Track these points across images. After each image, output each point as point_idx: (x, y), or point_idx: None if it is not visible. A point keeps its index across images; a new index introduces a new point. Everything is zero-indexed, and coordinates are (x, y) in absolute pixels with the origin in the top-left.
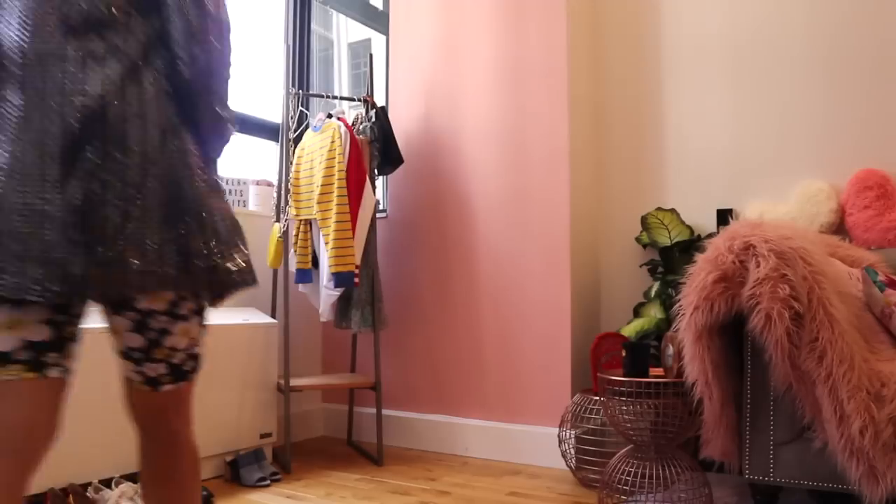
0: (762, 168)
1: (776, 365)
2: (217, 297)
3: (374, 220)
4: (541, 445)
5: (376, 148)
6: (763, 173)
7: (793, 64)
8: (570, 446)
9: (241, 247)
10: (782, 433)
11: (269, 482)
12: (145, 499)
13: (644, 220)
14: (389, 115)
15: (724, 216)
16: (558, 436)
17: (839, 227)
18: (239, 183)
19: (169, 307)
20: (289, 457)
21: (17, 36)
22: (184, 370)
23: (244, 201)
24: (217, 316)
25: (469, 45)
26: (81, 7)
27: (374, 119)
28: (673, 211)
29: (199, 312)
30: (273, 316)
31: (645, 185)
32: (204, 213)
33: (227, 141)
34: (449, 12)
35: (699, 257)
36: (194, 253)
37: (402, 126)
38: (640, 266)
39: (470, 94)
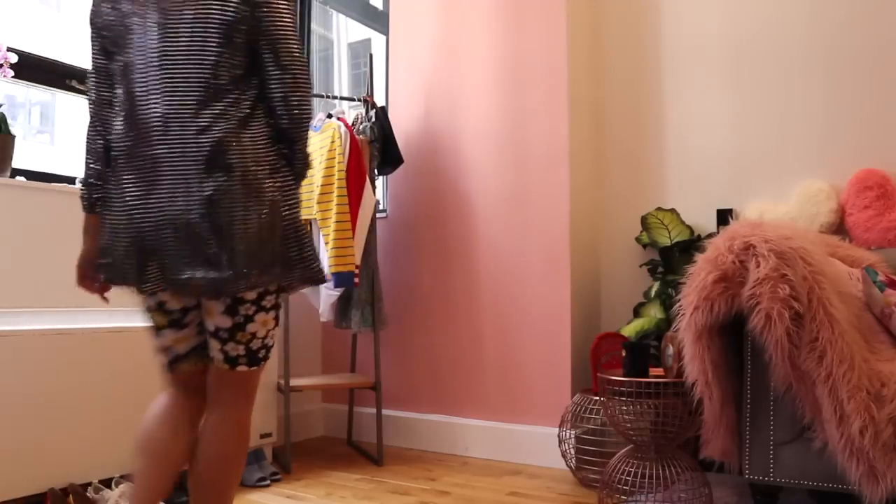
0: (762, 168)
1: (776, 365)
2: (299, 285)
3: (374, 220)
4: (541, 445)
5: (376, 148)
6: (763, 173)
7: (793, 64)
8: (570, 446)
9: (312, 248)
10: (782, 433)
11: (269, 482)
12: (190, 469)
13: (644, 220)
14: (389, 115)
15: (724, 216)
16: (558, 436)
17: (839, 227)
18: None
19: (257, 298)
20: (289, 457)
21: (140, 109)
22: (258, 354)
23: None
24: None
25: (469, 45)
26: (216, 80)
27: (373, 119)
28: (673, 211)
29: (276, 307)
30: None
31: (645, 185)
32: (296, 224)
33: (305, 173)
34: (449, 12)
35: (699, 257)
36: (290, 254)
37: (402, 126)
38: (640, 266)
39: (470, 94)
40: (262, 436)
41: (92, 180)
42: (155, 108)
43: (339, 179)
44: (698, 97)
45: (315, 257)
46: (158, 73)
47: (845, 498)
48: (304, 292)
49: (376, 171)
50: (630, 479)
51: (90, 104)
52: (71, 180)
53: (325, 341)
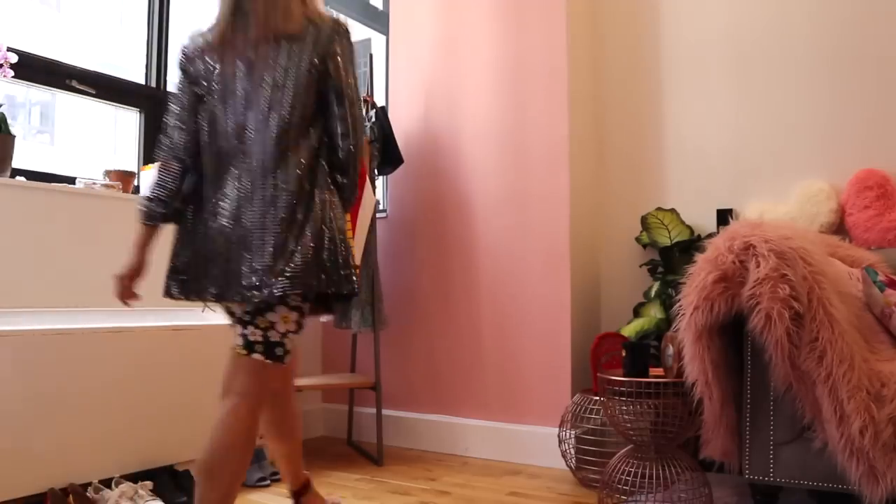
0: (762, 168)
1: (776, 365)
2: (346, 299)
3: (374, 220)
4: (541, 445)
5: (376, 148)
6: (763, 173)
7: (793, 64)
8: (570, 446)
9: (353, 266)
10: (782, 433)
11: (269, 482)
12: (265, 430)
13: (644, 220)
14: (389, 115)
15: (724, 216)
16: (558, 436)
17: (839, 227)
18: None
19: (297, 304)
20: None
21: (234, 140)
22: (281, 350)
23: None
24: (217, 316)
25: (469, 45)
26: (291, 118)
27: (374, 119)
28: (673, 211)
29: (301, 312)
30: None
31: (645, 185)
32: (345, 243)
33: (353, 200)
34: (449, 12)
35: (699, 257)
36: (336, 268)
37: (402, 126)
38: (640, 266)
39: (470, 94)
40: (263, 436)
41: (163, 198)
42: (239, 142)
43: None
44: (698, 97)
45: (349, 275)
46: (244, 112)
47: (845, 498)
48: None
49: (376, 172)
50: (630, 479)
51: (169, 132)
52: (71, 180)
53: (325, 341)
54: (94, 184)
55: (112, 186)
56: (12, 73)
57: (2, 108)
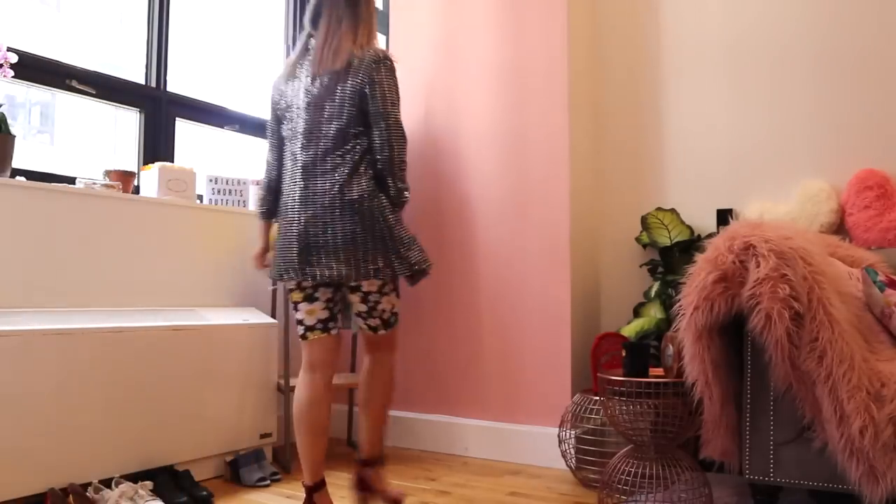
0: (762, 168)
1: (776, 365)
2: (409, 279)
3: None
4: (541, 445)
5: None
6: (763, 173)
7: (793, 64)
8: (570, 446)
9: (415, 251)
10: (782, 433)
11: (268, 482)
12: (360, 394)
13: (644, 220)
14: None
15: (724, 216)
16: (558, 436)
17: (839, 227)
18: (239, 183)
19: (378, 288)
20: (289, 457)
21: (300, 154)
22: (390, 322)
23: (244, 201)
24: (217, 316)
25: (469, 46)
26: (336, 139)
27: None
28: (673, 211)
29: (395, 291)
30: (273, 316)
31: (645, 185)
32: (393, 235)
33: (404, 199)
34: (449, 13)
35: (699, 257)
36: (390, 256)
37: None
38: (640, 266)
39: (470, 95)
40: (262, 436)
41: (266, 198)
42: (307, 153)
43: None
44: (698, 97)
45: (413, 256)
46: (308, 128)
47: (845, 498)
48: None
49: None
50: (630, 479)
51: (268, 149)
52: (71, 180)
53: None
54: (94, 184)
55: (112, 186)
56: (12, 73)
57: (2, 108)
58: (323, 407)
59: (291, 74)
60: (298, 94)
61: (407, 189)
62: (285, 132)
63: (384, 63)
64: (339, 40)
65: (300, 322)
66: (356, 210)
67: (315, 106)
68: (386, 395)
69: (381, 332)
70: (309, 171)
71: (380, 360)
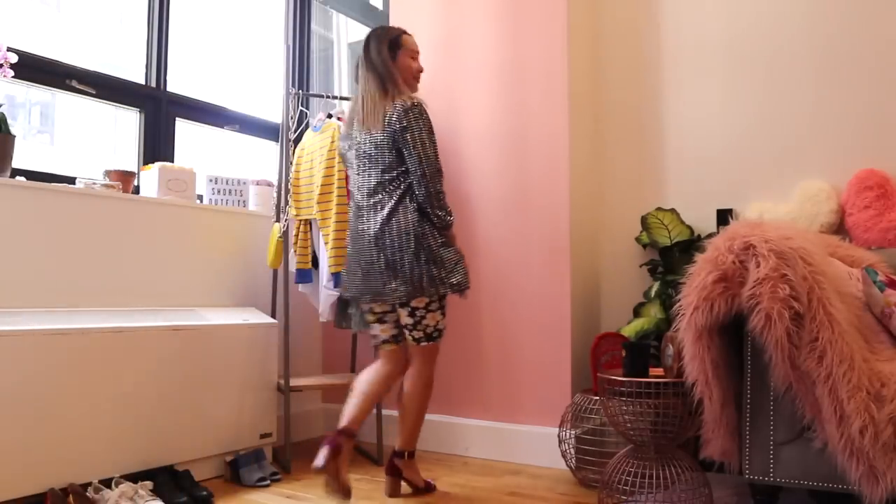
0: (762, 168)
1: (776, 365)
2: (457, 293)
3: None
4: (541, 445)
5: None
6: (763, 173)
7: (793, 64)
8: (570, 446)
9: (458, 274)
10: (782, 433)
11: (268, 482)
12: (400, 396)
13: (644, 220)
14: None
15: (724, 216)
16: (558, 436)
17: (839, 227)
18: (239, 183)
19: (425, 305)
20: (289, 457)
21: (357, 194)
22: (432, 336)
23: (244, 201)
24: (217, 316)
25: (469, 46)
26: (390, 173)
27: None
28: (673, 211)
29: (441, 310)
30: (273, 316)
31: (645, 185)
32: (438, 257)
33: (447, 224)
34: (449, 12)
35: (699, 257)
36: (434, 276)
37: None
38: (640, 266)
39: (470, 94)
40: (262, 436)
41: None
42: (361, 193)
43: (338, 179)
44: (698, 97)
45: (455, 276)
46: (360, 171)
47: (845, 498)
48: (304, 293)
49: None
50: (630, 479)
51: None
52: (71, 180)
53: (325, 341)
54: (94, 184)
55: (112, 186)
56: (12, 73)
57: (2, 108)
58: (377, 379)
59: (349, 127)
60: (352, 148)
61: (449, 215)
62: (350, 178)
63: (411, 111)
64: (374, 101)
65: (374, 336)
66: (405, 239)
67: (365, 155)
68: (419, 400)
69: (424, 343)
70: (362, 209)
71: (419, 370)
